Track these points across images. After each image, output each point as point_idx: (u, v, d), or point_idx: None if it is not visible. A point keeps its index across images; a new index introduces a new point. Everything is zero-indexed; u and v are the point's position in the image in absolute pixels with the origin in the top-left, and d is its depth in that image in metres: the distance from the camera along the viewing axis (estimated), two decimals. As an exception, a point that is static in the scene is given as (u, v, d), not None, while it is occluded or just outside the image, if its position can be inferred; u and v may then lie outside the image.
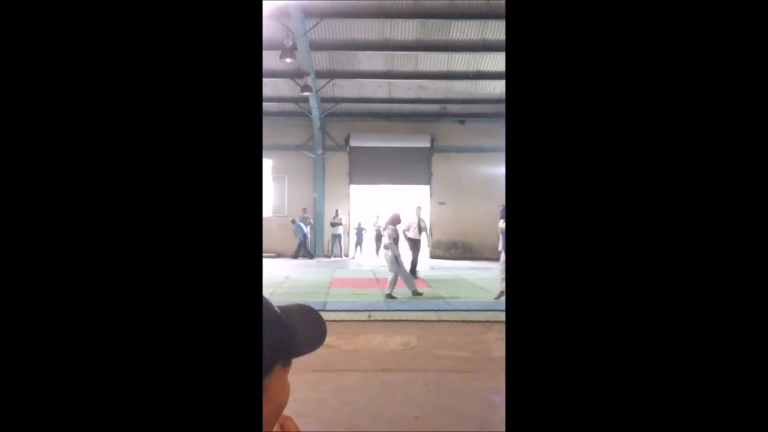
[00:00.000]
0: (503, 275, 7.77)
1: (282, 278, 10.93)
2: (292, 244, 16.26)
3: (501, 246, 8.08)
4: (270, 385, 0.73)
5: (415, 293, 8.49)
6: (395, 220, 8.85)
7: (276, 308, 0.77)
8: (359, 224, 16.82)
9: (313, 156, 16.77)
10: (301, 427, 1.55)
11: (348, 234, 16.87)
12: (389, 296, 8.30)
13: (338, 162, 17.01)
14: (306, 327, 0.79)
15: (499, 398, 4.11)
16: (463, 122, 16.67)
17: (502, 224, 8.03)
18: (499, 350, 5.29)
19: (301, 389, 4.09)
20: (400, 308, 7.56)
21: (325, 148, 16.84)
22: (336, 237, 16.51)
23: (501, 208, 8.31)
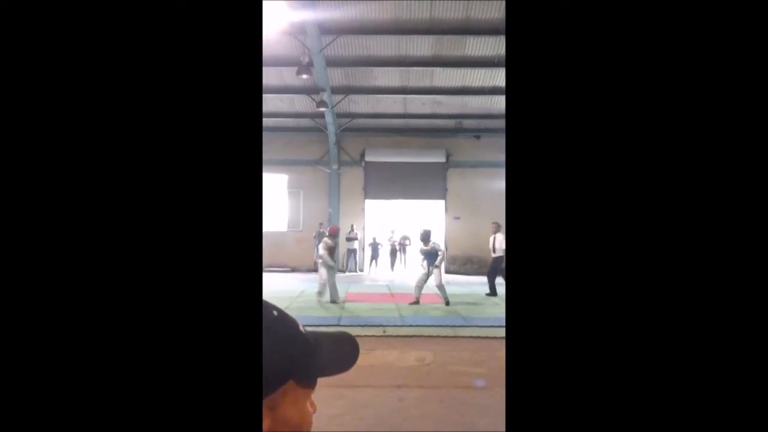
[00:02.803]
0: (421, 284, 9.48)
1: (297, 293, 10.93)
2: (308, 259, 16.28)
3: (423, 262, 9.65)
4: (279, 403, 0.70)
5: (335, 302, 9.41)
6: (333, 233, 9.83)
7: (300, 326, 0.76)
8: (374, 239, 16.81)
9: (329, 171, 16.85)
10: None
11: (363, 249, 16.86)
12: (321, 301, 9.31)
13: (353, 177, 17.06)
14: (333, 349, 0.77)
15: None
16: (478, 137, 16.67)
17: (423, 246, 9.58)
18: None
19: (316, 405, 4.05)
20: (415, 323, 7.52)
21: (341, 163, 16.91)
22: (351, 252, 16.52)
23: (422, 232, 9.84)
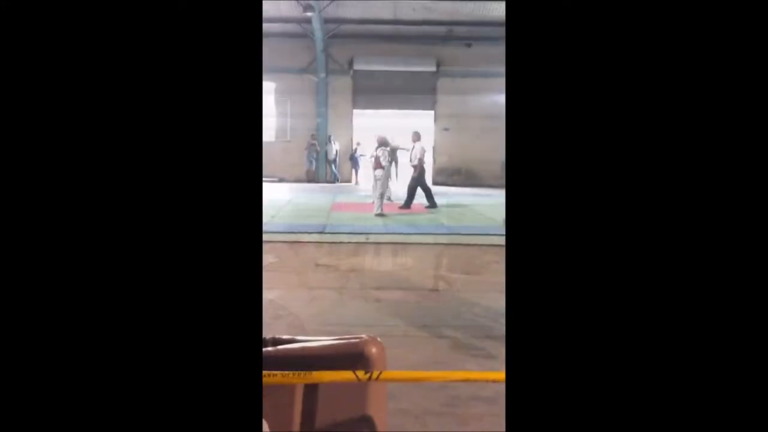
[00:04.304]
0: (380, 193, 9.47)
1: (284, 202, 11.03)
2: (294, 169, 16.31)
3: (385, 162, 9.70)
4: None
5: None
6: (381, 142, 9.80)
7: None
8: (356, 148, 16.76)
9: (316, 79, 16.48)
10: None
11: (352, 159, 16.84)
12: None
13: (342, 86, 16.73)
14: None
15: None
16: (469, 45, 16.24)
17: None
18: (492, 272, 5.43)
19: (296, 305, 4.24)
20: (398, 231, 7.69)
21: (329, 72, 16.52)
22: (332, 162, 16.61)
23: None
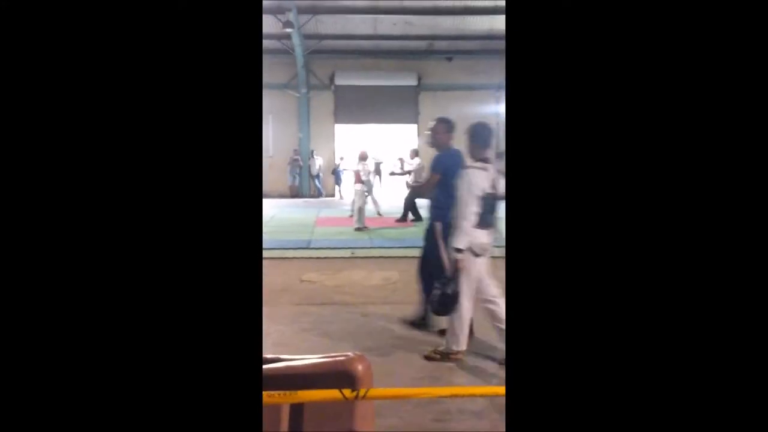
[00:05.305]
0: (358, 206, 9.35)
1: (268, 218, 10.96)
2: (278, 184, 16.23)
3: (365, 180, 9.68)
4: None
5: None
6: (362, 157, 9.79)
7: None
8: (338, 164, 16.78)
9: (297, 95, 16.48)
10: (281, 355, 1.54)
11: (335, 174, 16.82)
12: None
13: (323, 101, 16.74)
14: None
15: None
16: (450, 59, 16.36)
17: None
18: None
19: (283, 321, 4.19)
20: (383, 246, 7.65)
21: (310, 87, 16.54)
22: (315, 177, 16.64)
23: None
